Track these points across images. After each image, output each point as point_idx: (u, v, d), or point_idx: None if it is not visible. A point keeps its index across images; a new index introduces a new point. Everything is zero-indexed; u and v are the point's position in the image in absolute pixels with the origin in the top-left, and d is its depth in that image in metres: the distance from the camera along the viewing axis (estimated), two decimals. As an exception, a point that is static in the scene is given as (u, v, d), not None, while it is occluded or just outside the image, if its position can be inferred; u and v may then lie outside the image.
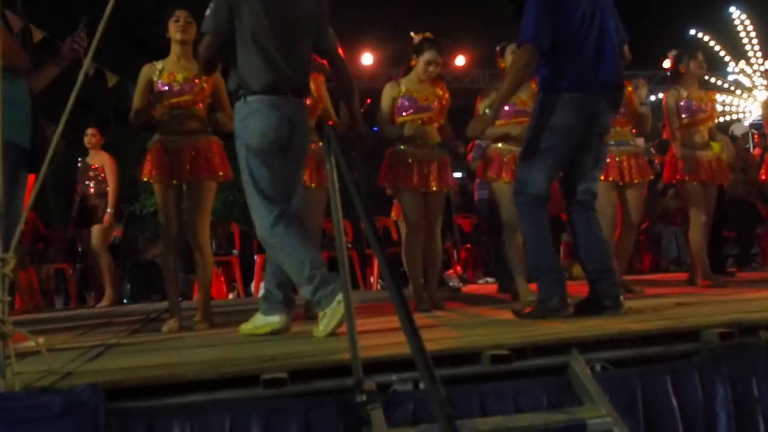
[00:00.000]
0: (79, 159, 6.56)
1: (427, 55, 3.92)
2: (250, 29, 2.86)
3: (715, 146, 4.87)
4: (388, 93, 4.00)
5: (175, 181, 3.52)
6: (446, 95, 4.00)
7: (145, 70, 3.62)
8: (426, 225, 3.95)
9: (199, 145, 3.53)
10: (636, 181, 4.39)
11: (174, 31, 3.59)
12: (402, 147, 3.92)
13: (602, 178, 4.11)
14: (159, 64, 3.62)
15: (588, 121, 3.01)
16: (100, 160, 6.53)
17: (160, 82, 3.56)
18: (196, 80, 3.56)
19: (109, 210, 6.36)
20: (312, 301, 2.78)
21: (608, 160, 4.15)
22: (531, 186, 3.03)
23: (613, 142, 4.22)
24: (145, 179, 3.59)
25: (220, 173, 3.57)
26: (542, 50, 2.99)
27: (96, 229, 6.36)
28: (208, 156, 3.54)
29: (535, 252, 3.08)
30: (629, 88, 4.44)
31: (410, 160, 3.87)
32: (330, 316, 2.65)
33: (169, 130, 3.53)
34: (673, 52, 4.87)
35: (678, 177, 4.64)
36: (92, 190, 6.44)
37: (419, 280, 3.99)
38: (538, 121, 3.06)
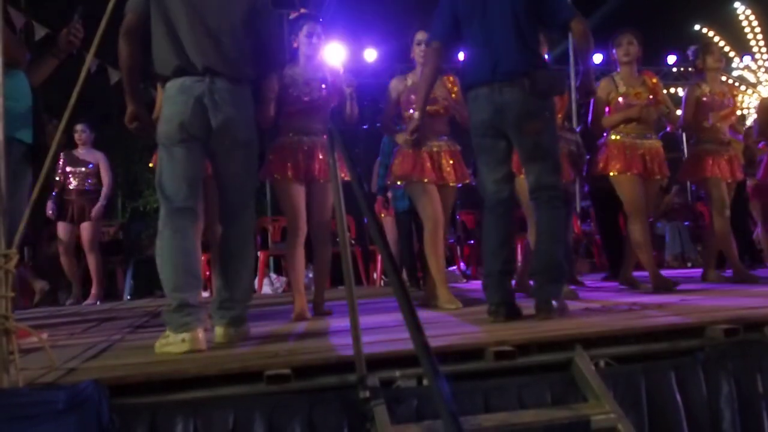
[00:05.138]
0: (62, 152, 6.46)
1: (417, 36, 3.84)
2: None
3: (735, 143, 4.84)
4: (393, 87, 3.93)
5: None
6: (455, 88, 3.89)
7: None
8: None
9: None
10: (656, 177, 4.30)
11: None
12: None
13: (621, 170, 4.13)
14: None
15: (497, 114, 2.92)
16: (93, 157, 6.52)
17: None
18: None
19: (102, 201, 6.42)
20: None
21: (634, 152, 4.15)
22: (481, 189, 3.06)
23: (633, 134, 4.21)
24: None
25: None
26: (444, 44, 3.11)
27: (87, 226, 6.37)
28: None
29: (483, 255, 3.06)
30: (653, 80, 4.40)
31: (422, 153, 3.75)
32: (170, 343, 2.43)
33: None
34: (692, 48, 4.83)
35: (699, 175, 4.56)
36: (73, 186, 6.42)
37: (441, 274, 3.83)
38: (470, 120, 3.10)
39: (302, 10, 3.96)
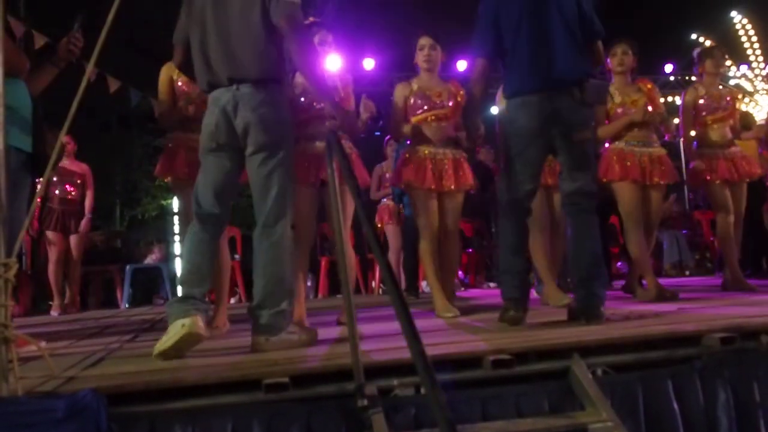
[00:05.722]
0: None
1: (420, 42, 3.90)
2: None
3: (743, 144, 4.83)
4: (399, 93, 3.94)
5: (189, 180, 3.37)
6: (461, 92, 3.91)
7: (165, 70, 3.59)
8: (442, 225, 3.86)
9: None
10: (657, 183, 4.26)
11: None
12: (416, 146, 3.84)
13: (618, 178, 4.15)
14: None
15: (547, 122, 2.96)
16: (79, 167, 6.59)
17: (180, 81, 3.54)
18: None
19: (88, 215, 6.53)
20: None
21: (633, 160, 4.16)
22: (505, 193, 3.07)
23: (635, 142, 4.21)
24: (164, 179, 3.59)
25: None
26: (490, 60, 3.13)
27: (75, 238, 6.51)
28: None
29: (500, 253, 3.13)
30: (648, 86, 4.39)
31: (425, 160, 3.79)
32: (169, 337, 2.44)
33: (194, 129, 3.35)
34: (696, 50, 4.85)
35: (701, 179, 4.55)
36: (57, 196, 6.49)
37: (437, 283, 3.83)
38: (506, 127, 3.10)
39: (311, 19, 3.95)
